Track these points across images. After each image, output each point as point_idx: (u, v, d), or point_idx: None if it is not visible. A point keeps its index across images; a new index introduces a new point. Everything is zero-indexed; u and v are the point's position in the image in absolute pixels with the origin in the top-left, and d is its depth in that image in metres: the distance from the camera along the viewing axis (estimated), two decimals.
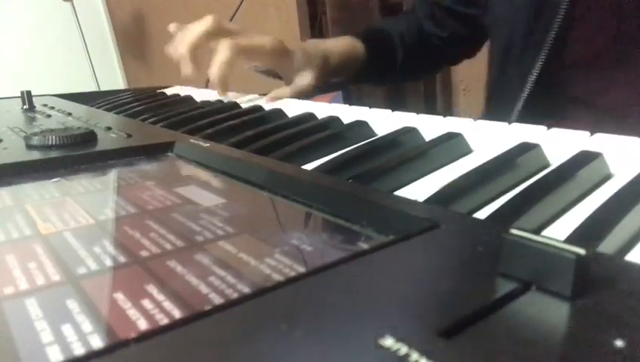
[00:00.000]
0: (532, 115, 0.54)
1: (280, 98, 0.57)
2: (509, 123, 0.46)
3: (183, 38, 0.57)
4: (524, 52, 0.54)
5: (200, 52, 0.57)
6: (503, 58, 0.58)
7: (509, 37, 0.56)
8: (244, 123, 0.48)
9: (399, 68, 0.71)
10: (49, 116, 0.55)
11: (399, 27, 0.72)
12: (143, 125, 0.49)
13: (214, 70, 0.56)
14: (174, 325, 0.13)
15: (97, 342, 0.13)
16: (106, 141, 0.38)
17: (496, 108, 0.63)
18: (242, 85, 0.70)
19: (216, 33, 0.57)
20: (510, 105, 0.55)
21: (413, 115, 0.41)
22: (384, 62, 0.70)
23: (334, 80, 0.68)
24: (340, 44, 0.67)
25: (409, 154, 0.32)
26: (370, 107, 0.46)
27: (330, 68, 0.64)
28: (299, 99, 0.57)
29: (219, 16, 0.58)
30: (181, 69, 0.57)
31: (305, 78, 0.61)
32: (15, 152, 0.35)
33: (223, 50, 0.55)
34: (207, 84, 0.79)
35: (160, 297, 0.15)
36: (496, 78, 0.62)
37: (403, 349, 0.11)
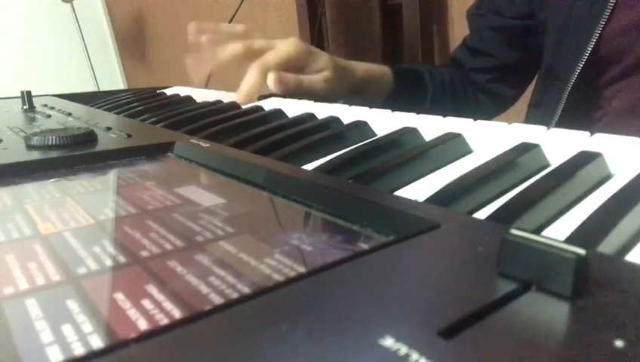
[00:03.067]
0: (587, 90, 0.56)
1: (283, 82, 0.57)
2: (561, 103, 0.47)
3: (212, 57, 0.59)
4: (583, 22, 0.54)
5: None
6: (559, 37, 0.59)
7: (568, 12, 0.57)
8: (244, 123, 0.48)
9: (429, 105, 0.70)
10: (49, 116, 0.55)
11: (427, 67, 0.72)
12: (142, 125, 0.49)
13: (243, 93, 0.57)
14: (174, 325, 0.13)
15: (97, 342, 0.13)
16: (106, 141, 0.38)
17: (546, 90, 0.64)
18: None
19: (246, 56, 0.58)
20: (562, 84, 0.57)
21: (413, 115, 0.41)
22: (413, 94, 0.70)
23: (357, 99, 0.68)
24: (366, 64, 0.67)
25: (409, 154, 0.32)
26: (370, 107, 0.46)
27: (353, 81, 0.63)
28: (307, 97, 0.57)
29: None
30: (193, 79, 0.58)
31: (324, 78, 0.60)
32: (15, 152, 0.35)
33: (252, 74, 0.57)
34: (206, 85, 0.79)
35: (160, 297, 0.15)
36: (548, 63, 0.63)
37: (403, 349, 0.11)
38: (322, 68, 0.60)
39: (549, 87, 0.62)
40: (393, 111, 0.43)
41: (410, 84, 0.69)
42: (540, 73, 0.67)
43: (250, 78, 0.57)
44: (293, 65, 0.59)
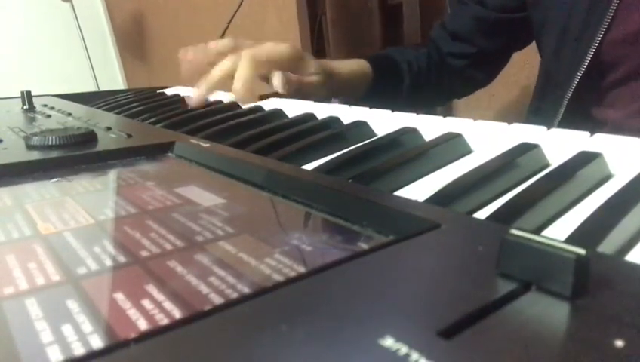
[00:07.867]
0: (585, 98, 0.56)
1: (289, 83, 0.58)
2: (560, 110, 0.46)
3: (203, 51, 0.59)
4: (583, 30, 0.54)
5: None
6: (558, 43, 0.59)
7: (567, 19, 0.56)
8: (244, 123, 0.48)
9: (405, 94, 0.72)
10: (49, 116, 0.55)
11: (406, 55, 0.73)
12: (142, 125, 0.49)
13: (238, 88, 0.56)
14: (174, 325, 0.13)
15: (97, 342, 0.13)
16: (106, 141, 0.38)
17: (545, 97, 0.64)
18: None
19: (233, 50, 0.58)
20: (561, 91, 0.56)
21: (413, 115, 0.41)
22: (390, 87, 0.71)
23: (342, 96, 0.69)
24: (347, 63, 0.68)
25: (409, 154, 0.32)
26: (370, 107, 0.46)
27: (335, 84, 0.65)
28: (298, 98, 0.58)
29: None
30: (182, 71, 0.58)
31: (316, 82, 0.62)
32: (15, 152, 0.35)
33: (243, 67, 0.56)
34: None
35: (160, 297, 0.15)
36: (547, 70, 0.64)
37: (403, 349, 0.11)
38: (312, 73, 0.61)
39: (549, 94, 0.62)
40: (393, 110, 0.43)
41: (387, 77, 0.71)
42: (539, 79, 0.67)
43: (242, 72, 0.56)
44: (285, 67, 0.59)
